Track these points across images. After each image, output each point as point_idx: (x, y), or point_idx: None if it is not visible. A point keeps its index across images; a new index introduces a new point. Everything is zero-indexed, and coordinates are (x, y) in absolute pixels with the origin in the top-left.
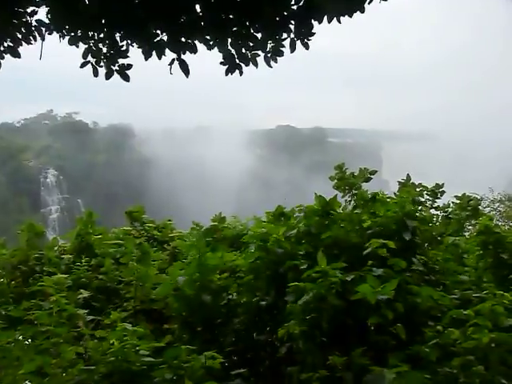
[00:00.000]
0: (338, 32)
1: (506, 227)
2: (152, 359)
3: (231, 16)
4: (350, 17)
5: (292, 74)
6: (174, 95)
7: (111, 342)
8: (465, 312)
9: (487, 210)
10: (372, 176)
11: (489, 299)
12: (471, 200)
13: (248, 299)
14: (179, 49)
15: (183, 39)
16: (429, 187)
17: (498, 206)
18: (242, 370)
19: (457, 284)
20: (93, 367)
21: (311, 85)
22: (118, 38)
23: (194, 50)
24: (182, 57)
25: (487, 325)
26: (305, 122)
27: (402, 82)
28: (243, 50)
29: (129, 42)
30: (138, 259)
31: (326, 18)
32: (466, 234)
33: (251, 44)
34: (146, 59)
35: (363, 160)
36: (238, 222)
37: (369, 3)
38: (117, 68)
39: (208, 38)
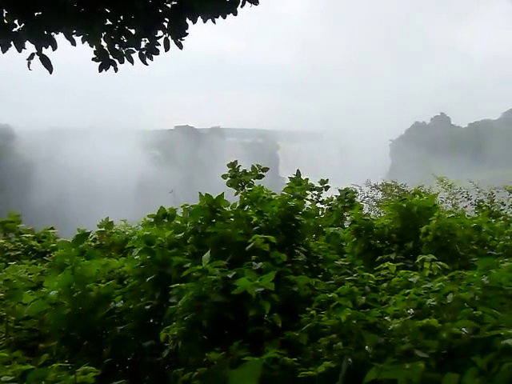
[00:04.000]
0: (239, 35)
1: (382, 214)
2: None
3: (105, 10)
4: (224, 18)
5: (192, 75)
6: (65, 93)
7: None
8: (329, 295)
9: (366, 199)
10: (264, 173)
11: (359, 281)
12: (348, 192)
13: (134, 305)
14: (39, 42)
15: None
16: (319, 182)
17: (376, 194)
18: (121, 381)
19: (335, 270)
20: None
21: (212, 86)
22: None
23: (53, 45)
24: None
25: (348, 304)
26: (204, 122)
27: (296, 85)
28: (116, 46)
29: None
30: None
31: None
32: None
33: (125, 40)
34: (4, 52)
35: (261, 159)
36: (127, 227)
37: (241, 6)
38: None
39: (75, 31)
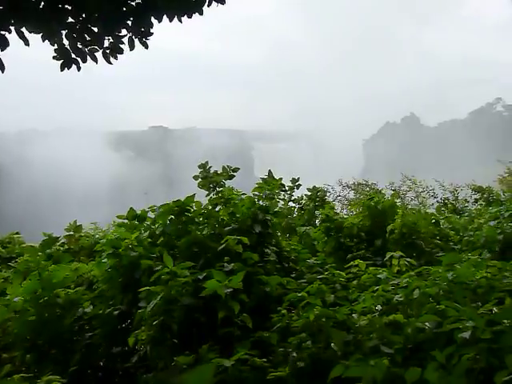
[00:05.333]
0: (213, 35)
1: (353, 213)
2: None
3: (66, 7)
4: (190, 17)
5: (165, 76)
6: (34, 93)
7: None
8: (299, 294)
9: (338, 198)
10: (234, 173)
11: (330, 279)
12: (319, 191)
13: (103, 310)
14: None
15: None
16: (291, 181)
17: (348, 193)
18: None
19: (307, 269)
20: None
21: (186, 86)
22: None
23: (3, 44)
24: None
25: (317, 303)
26: (178, 122)
27: (270, 85)
28: (79, 45)
29: None
30: None
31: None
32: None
33: (88, 38)
34: None
35: (236, 159)
36: (97, 230)
37: (208, 6)
38: None
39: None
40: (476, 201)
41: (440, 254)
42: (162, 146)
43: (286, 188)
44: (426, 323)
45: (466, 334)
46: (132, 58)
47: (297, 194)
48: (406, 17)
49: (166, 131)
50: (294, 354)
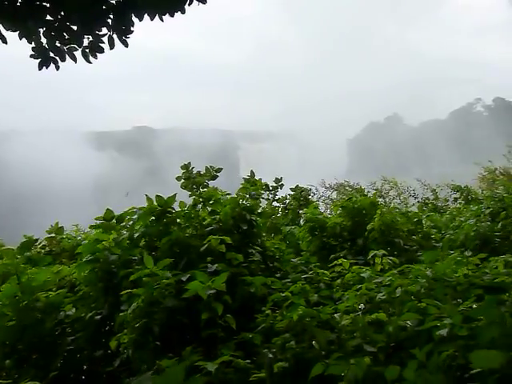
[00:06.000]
0: (197, 34)
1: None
2: None
3: (44, 4)
4: (171, 16)
5: (150, 75)
6: (17, 93)
7: None
8: (283, 294)
9: (322, 198)
10: (218, 174)
11: (314, 278)
12: (303, 191)
13: (85, 313)
14: None
15: None
16: (274, 181)
17: (331, 193)
18: None
19: (292, 268)
20: None
21: (171, 86)
22: None
23: None
24: None
25: (301, 302)
26: (163, 122)
27: (254, 84)
28: (57, 43)
29: None
30: None
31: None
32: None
33: (67, 37)
34: None
35: (222, 159)
36: (79, 231)
37: (189, 5)
38: None
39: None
40: (455, 199)
41: (421, 252)
42: (146, 146)
43: (270, 188)
44: (408, 321)
45: (444, 332)
46: (116, 57)
47: (281, 193)
48: (390, 17)
49: (150, 131)
50: (271, 356)
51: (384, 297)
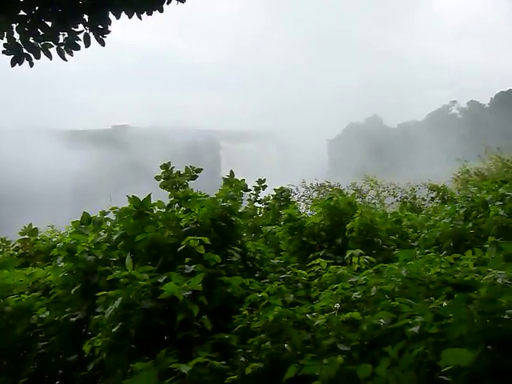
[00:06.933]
0: (179, 33)
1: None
2: None
3: None
4: (149, 14)
5: (130, 73)
6: None
7: None
8: (259, 294)
9: (303, 198)
10: (198, 174)
11: (292, 278)
12: (284, 191)
13: (59, 317)
14: None
15: None
16: (257, 182)
17: (312, 193)
18: None
19: (271, 268)
20: None
21: (152, 85)
22: None
23: None
24: None
25: (277, 302)
26: (144, 121)
27: (236, 84)
28: (31, 39)
29: None
30: None
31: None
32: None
33: (41, 33)
34: None
35: (203, 159)
36: (54, 233)
37: (167, 3)
38: None
39: None
40: (432, 199)
41: (397, 251)
42: (126, 146)
43: (251, 188)
44: (381, 320)
45: (415, 329)
46: (97, 54)
47: (264, 193)
48: (372, 18)
49: (131, 130)
50: (242, 359)
51: (359, 296)
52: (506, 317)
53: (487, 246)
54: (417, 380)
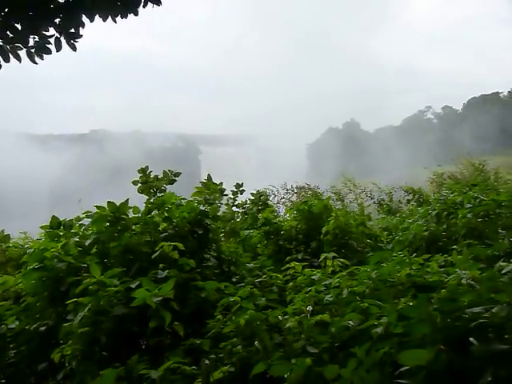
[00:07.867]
0: (159, 37)
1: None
2: None
3: None
4: (124, 18)
5: (109, 77)
6: None
7: None
8: (232, 299)
9: (282, 200)
10: (176, 178)
11: (268, 281)
12: (262, 195)
13: (29, 325)
14: None
15: None
16: (235, 186)
17: (292, 196)
18: None
19: (248, 272)
20: None
21: (131, 89)
22: None
23: None
24: None
25: (249, 306)
26: (122, 125)
27: (216, 89)
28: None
29: None
30: None
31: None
32: None
33: (10, 35)
34: None
35: (183, 163)
36: (27, 239)
37: (143, 7)
38: None
39: None
40: (408, 201)
41: (371, 254)
42: (104, 150)
43: (228, 193)
44: (350, 321)
45: (379, 330)
46: (74, 58)
47: (242, 197)
48: (348, 25)
49: (109, 134)
50: (207, 362)
51: (331, 298)
52: (466, 316)
53: (455, 247)
54: (380, 380)
